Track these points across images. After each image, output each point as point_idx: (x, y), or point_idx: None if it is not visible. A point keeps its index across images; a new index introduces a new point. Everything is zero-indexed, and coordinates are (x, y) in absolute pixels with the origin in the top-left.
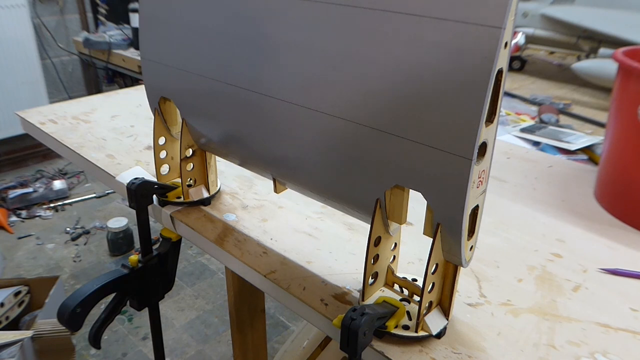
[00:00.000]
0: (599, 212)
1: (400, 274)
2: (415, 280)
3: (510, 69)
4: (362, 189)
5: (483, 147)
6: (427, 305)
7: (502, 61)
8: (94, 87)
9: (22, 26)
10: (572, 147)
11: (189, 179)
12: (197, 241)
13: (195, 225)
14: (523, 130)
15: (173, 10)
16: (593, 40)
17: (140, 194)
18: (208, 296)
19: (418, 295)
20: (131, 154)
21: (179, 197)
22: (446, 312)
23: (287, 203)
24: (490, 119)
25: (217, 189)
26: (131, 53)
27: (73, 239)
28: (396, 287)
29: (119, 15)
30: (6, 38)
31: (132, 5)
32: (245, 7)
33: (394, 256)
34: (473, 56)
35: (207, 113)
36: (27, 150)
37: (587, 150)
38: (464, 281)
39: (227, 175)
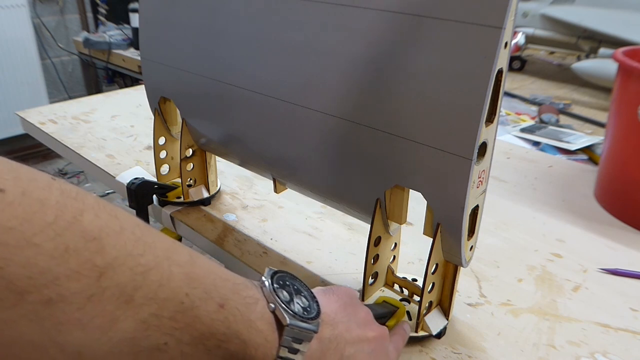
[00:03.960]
0: (599, 212)
1: (400, 274)
2: (415, 280)
3: (510, 69)
4: (362, 189)
5: (483, 147)
6: (427, 305)
7: (502, 61)
8: (94, 87)
9: (22, 26)
10: (572, 147)
11: (189, 179)
12: (197, 241)
13: (195, 225)
14: (523, 130)
15: (173, 10)
16: (593, 40)
17: (140, 194)
18: None
19: (418, 295)
20: (131, 154)
21: (179, 197)
22: (446, 312)
23: (287, 203)
24: (490, 119)
25: (217, 189)
26: (131, 53)
27: None
28: (396, 287)
29: (119, 15)
30: (6, 38)
31: (132, 5)
32: (245, 7)
33: (394, 256)
34: (473, 56)
35: (207, 113)
36: (27, 150)
37: (587, 150)
38: (464, 281)
39: (227, 175)
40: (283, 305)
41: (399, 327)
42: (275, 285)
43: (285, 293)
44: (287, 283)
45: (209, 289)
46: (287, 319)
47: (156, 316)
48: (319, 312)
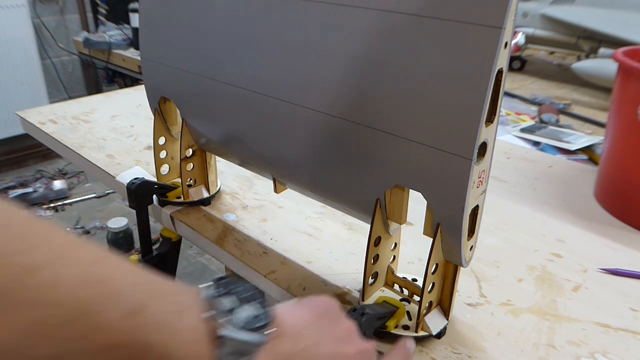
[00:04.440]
0: (599, 212)
1: (400, 274)
2: (415, 280)
3: (510, 69)
4: (362, 189)
5: (483, 147)
6: (427, 305)
7: (502, 61)
8: (94, 87)
9: (22, 26)
10: (572, 147)
11: (189, 179)
12: (197, 241)
13: (195, 225)
14: (523, 130)
15: (173, 10)
16: (593, 40)
17: (140, 194)
18: None
19: (418, 295)
20: (131, 154)
21: (179, 197)
22: (446, 312)
23: (287, 203)
24: (490, 119)
25: (217, 189)
26: (131, 53)
27: None
28: (396, 287)
29: (119, 15)
30: (6, 38)
31: (132, 5)
32: (245, 7)
33: (394, 256)
34: (473, 56)
35: (207, 113)
36: (27, 150)
37: (587, 150)
38: (464, 281)
39: (227, 175)
40: (220, 314)
41: (400, 345)
42: (216, 292)
43: (227, 301)
44: (235, 290)
45: (116, 293)
46: (223, 329)
47: (41, 323)
48: (270, 323)
